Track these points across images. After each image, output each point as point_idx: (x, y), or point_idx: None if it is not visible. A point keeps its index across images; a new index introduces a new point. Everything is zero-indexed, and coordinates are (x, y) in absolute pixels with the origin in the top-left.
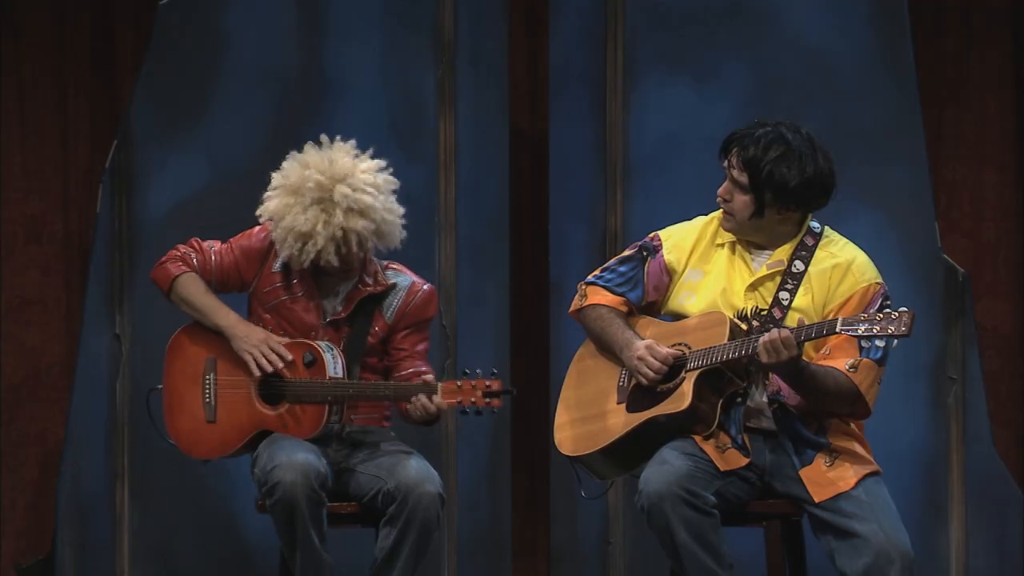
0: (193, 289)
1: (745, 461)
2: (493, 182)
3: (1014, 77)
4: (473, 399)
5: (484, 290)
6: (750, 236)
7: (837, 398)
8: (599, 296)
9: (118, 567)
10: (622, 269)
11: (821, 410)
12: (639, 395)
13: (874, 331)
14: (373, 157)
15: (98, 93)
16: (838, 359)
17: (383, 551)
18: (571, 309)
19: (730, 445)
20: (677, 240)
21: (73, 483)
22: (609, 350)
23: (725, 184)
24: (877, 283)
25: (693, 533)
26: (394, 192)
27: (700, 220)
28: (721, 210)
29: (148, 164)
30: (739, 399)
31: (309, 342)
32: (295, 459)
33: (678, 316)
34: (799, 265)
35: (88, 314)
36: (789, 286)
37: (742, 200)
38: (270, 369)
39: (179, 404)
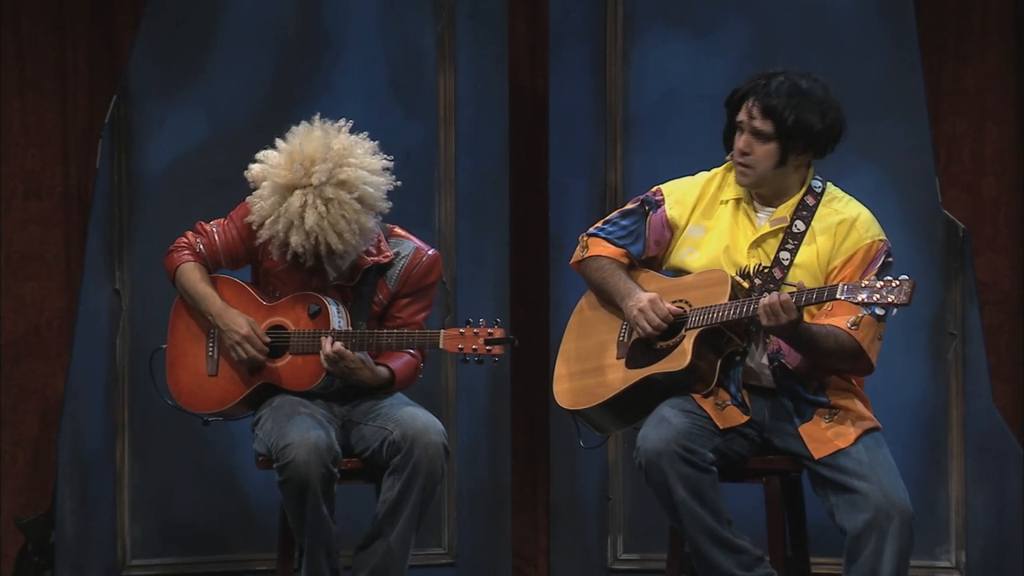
0: (189, 277)
1: (744, 418)
2: (493, 138)
3: (1015, 31)
4: (475, 346)
5: (484, 246)
6: (766, 189)
7: (839, 356)
8: (600, 247)
9: (118, 522)
10: (624, 222)
11: (823, 368)
12: (639, 351)
13: (874, 299)
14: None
15: (97, 47)
16: (839, 316)
17: (386, 503)
18: (572, 260)
19: (729, 402)
20: (680, 195)
21: (73, 438)
22: (610, 301)
23: (744, 138)
24: (880, 240)
25: (691, 490)
26: (379, 171)
27: (703, 175)
28: (724, 166)
29: (148, 119)
30: (738, 358)
31: (314, 294)
32: (307, 437)
33: (679, 271)
34: (800, 225)
35: (88, 269)
36: (790, 246)
37: (765, 150)
38: (244, 356)
39: (182, 360)
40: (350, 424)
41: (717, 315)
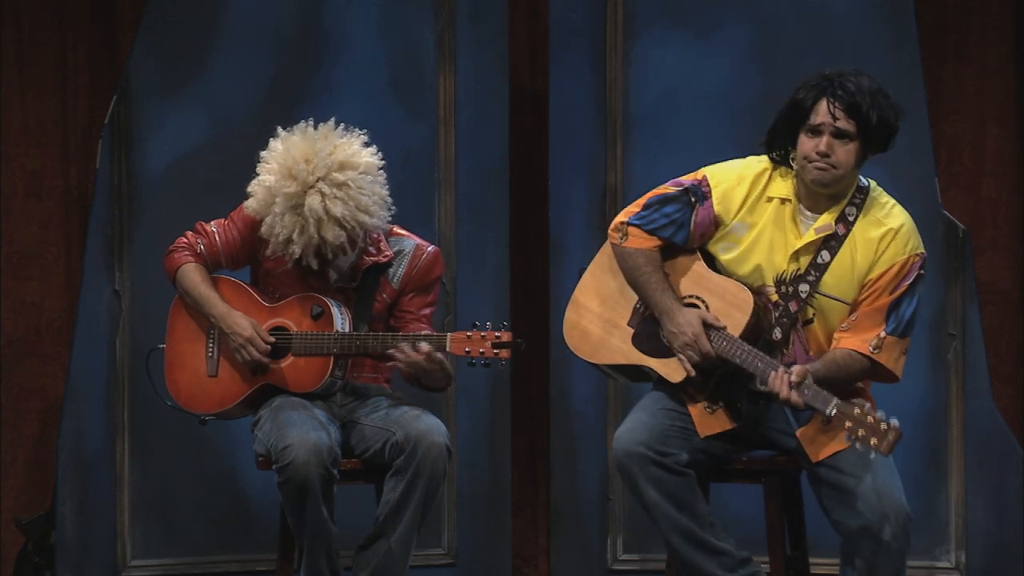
0: (191, 279)
1: (730, 425)
2: (493, 138)
3: (1015, 31)
4: (482, 349)
5: (484, 246)
6: (834, 189)
7: (864, 376)
8: (639, 240)
9: (118, 522)
10: (666, 209)
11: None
12: (647, 328)
13: (858, 433)
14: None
15: (98, 47)
16: (861, 334)
17: (388, 504)
18: (610, 238)
19: (720, 406)
20: (727, 189)
21: (73, 439)
22: (643, 301)
23: (825, 139)
24: (917, 254)
25: (664, 493)
26: (376, 172)
27: (752, 167)
28: (770, 163)
29: (148, 119)
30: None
31: (317, 295)
32: (307, 438)
33: (713, 259)
34: (841, 230)
35: (88, 269)
36: (832, 244)
37: (847, 150)
38: (248, 359)
39: (180, 360)
40: (351, 425)
41: (730, 352)
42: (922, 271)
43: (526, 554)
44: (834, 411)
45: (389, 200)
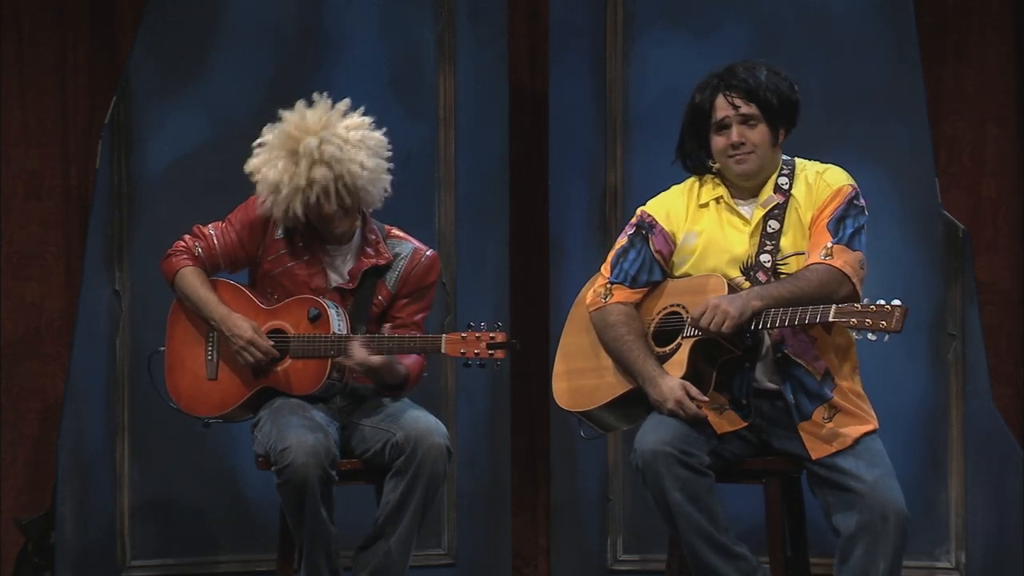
0: (190, 282)
1: (742, 424)
2: (493, 138)
3: (1015, 31)
4: (477, 350)
5: (484, 247)
6: (761, 174)
7: (828, 290)
8: (625, 293)
9: (118, 522)
10: (631, 256)
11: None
12: None
13: (866, 323)
14: (372, 113)
15: (98, 48)
16: (813, 253)
17: (389, 504)
18: (591, 305)
19: (728, 406)
20: (667, 210)
21: (73, 438)
22: (626, 369)
23: (734, 129)
24: (849, 185)
25: (688, 493)
26: (382, 151)
27: (680, 186)
28: (691, 178)
29: (148, 119)
30: (748, 364)
31: (314, 298)
32: (306, 440)
33: (679, 278)
34: (780, 198)
35: (88, 269)
36: (776, 212)
37: (759, 133)
38: (250, 361)
39: (180, 363)
40: (351, 426)
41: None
42: (858, 201)
43: (526, 554)
44: (835, 314)
45: (387, 179)
